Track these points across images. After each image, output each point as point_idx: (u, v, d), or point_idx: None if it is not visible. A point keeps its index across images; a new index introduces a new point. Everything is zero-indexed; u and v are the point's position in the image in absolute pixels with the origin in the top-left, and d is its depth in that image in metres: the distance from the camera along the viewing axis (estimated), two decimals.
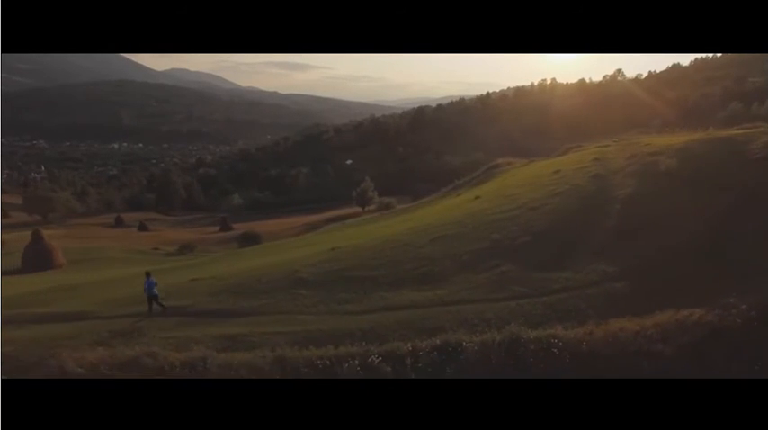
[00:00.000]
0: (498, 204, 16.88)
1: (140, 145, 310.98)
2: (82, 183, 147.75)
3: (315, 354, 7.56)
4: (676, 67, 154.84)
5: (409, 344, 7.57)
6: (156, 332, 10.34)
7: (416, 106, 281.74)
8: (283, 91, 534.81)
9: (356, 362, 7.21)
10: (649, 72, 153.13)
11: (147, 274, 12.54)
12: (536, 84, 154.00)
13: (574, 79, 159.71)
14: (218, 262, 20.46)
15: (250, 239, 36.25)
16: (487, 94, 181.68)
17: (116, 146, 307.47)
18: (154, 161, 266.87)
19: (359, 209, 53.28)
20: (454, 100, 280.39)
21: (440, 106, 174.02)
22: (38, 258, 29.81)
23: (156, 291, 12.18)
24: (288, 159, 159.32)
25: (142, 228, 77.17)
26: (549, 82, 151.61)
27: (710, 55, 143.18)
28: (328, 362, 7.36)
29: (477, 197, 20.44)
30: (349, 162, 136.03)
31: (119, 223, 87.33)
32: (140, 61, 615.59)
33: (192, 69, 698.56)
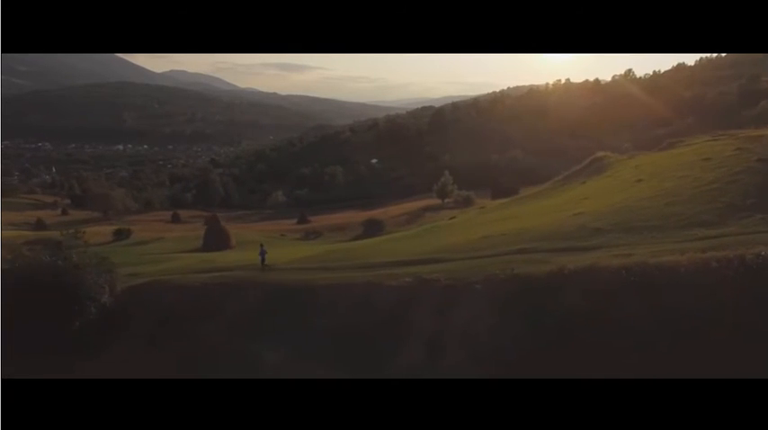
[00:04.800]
0: (683, 183, 22.02)
1: (145, 146, 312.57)
2: (108, 184, 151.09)
3: (715, 256, 12.61)
4: (682, 66, 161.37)
5: None
6: (537, 257, 15.32)
7: (418, 106, 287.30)
8: (282, 92, 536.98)
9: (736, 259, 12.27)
10: (654, 71, 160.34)
11: (261, 245, 20.83)
12: (551, 83, 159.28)
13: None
14: (430, 233, 25.46)
15: (375, 226, 41.30)
16: (501, 93, 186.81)
17: (121, 147, 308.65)
18: (161, 162, 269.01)
19: (438, 201, 58.47)
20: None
21: (455, 106, 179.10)
22: (217, 240, 34.53)
23: (265, 256, 19.63)
24: (306, 159, 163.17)
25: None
26: (563, 82, 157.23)
27: (715, 54, 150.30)
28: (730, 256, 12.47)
29: (639, 180, 25.67)
30: (374, 161, 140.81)
31: (176, 219, 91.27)
32: (139, 63, 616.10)
33: (191, 71, 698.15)
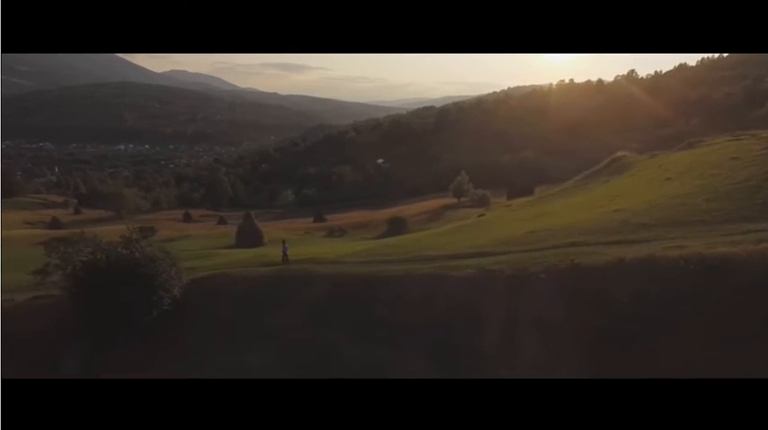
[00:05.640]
0: (716, 180, 22.88)
1: (146, 146, 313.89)
2: (113, 183, 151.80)
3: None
4: (684, 66, 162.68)
5: None
6: (590, 250, 16.27)
7: (418, 106, 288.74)
8: (282, 92, 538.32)
9: None
10: (655, 72, 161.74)
11: (283, 241, 21.97)
12: (554, 84, 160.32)
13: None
14: (469, 230, 26.38)
15: (398, 223, 42.19)
16: (505, 94, 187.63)
17: (122, 147, 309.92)
18: (163, 162, 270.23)
19: (451, 200, 59.49)
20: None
21: (459, 106, 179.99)
22: (250, 237, 35.39)
23: (287, 251, 21.09)
24: (311, 159, 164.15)
25: (221, 221, 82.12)
26: (567, 82, 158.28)
27: (717, 55, 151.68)
28: None
29: (668, 178, 26.63)
30: (380, 161, 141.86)
31: (187, 218, 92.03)
32: (140, 63, 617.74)
33: (191, 71, 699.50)
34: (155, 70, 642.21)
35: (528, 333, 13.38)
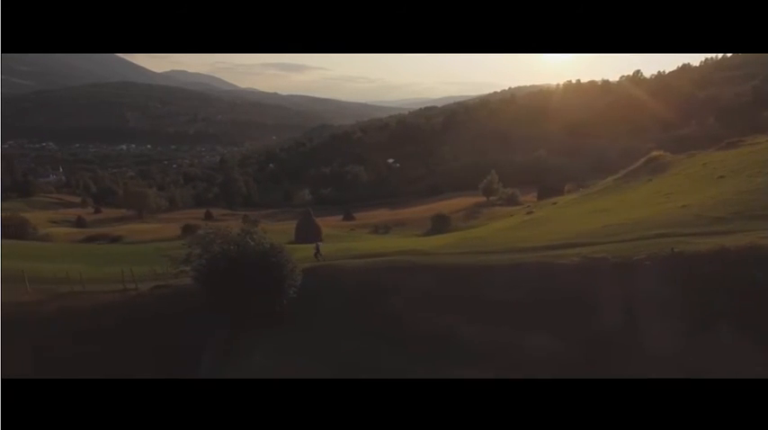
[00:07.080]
0: None
1: (148, 146, 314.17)
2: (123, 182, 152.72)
3: None
4: (687, 66, 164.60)
5: None
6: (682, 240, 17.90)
7: (419, 106, 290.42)
8: (282, 92, 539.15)
9: None
10: (659, 72, 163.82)
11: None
12: (561, 84, 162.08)
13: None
14: (537, 225, 27.94)
15: (442, 221, 43.74)
16: (511, 94, 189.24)
17: (124, 147, 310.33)
18: (166, 162, 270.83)
19: (476, 198, 61.15)
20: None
21: (466, 107, 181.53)
22: (309, 233, 36.89)
23: (320, 249, 22.92)
24: (317, 158, 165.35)
25: (246, 220, 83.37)
26: (574, 82, 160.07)
27: (720, 55, 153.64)
28: None
29: (721, 176, 28.31)
30: (391, 161, 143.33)
31: (208, 217, 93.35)
32: (140, 63, 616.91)
33: (191, 71, 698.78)
34: (155, 70, 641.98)
35: (646, 314, 14.94)
